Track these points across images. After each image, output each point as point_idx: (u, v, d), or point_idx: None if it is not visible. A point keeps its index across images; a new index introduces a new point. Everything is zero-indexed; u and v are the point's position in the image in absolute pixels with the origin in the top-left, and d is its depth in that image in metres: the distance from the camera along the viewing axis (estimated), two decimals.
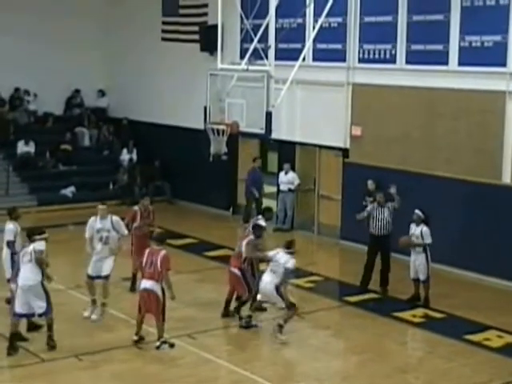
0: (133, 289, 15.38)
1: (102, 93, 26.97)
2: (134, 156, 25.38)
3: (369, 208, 16.18)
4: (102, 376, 11.87)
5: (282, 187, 21.37)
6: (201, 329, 13.58)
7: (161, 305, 12.71)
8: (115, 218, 14.41)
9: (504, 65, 16.39)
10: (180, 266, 17.50)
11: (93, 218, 14.41)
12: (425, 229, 15.15)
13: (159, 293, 12.66)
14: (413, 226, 15.29)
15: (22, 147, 24.44)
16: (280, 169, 21.66)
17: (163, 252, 12.78)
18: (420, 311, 14.85)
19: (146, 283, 12.70)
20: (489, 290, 16.12)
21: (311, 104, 20.29)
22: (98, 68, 26.20)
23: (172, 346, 12.75)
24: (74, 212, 18.66)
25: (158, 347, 12.69)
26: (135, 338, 12.83)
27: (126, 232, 14.58)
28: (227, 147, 19.29)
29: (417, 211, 15.34)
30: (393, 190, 16.32)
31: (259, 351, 13.33)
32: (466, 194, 17.09)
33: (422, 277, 15.10)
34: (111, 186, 24.60)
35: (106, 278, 14.19)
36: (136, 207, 16.00)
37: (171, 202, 24.52)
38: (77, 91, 26.64)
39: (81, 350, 12.54)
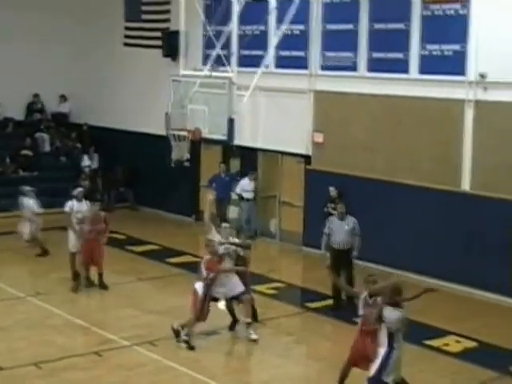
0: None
1: (63, 98, 26.85)
2: (96, 162, 25.34)
3: (327, 224, 15.75)
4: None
5: (248, 195, 21.12)
6: (162, 336, 13.61)
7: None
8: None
9: (463, 73, 16.67)
10: (142, 272, 17.64)
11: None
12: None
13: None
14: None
15: None
16: (244, 175, 21.63)
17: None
18: None
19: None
20: (448, 296, 16.35)
21: (274, 111, 20.42)
22: (59, 73, 26.05)
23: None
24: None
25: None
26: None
27: None
28: (189, 153, 19.41)
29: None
30: (332, 193, 16.38)
31: (221, 358, 13.40)
32: (427, 200, 17.33)
33: None
34: (73, 193, 24.47)
35: None
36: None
37: (134, 209, 24.51)
38: (37, 96, 26.50)
39: (40, 358, 12.53)
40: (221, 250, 13.59)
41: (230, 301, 13.90)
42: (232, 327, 14.10)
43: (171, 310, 14.93)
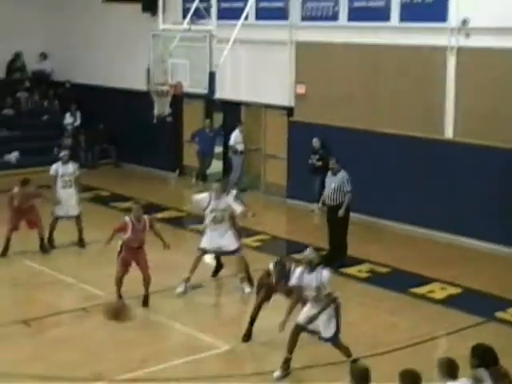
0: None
1: (44, 56, 26.47)
2: (78, 119, 25.09)
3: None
4: (49, 340, 11.83)
5: (240, 147, 21.03)
6: (151, 290, 13.55)
7: None
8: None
9: (445, 20, 16.48)
10: None
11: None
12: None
13: None
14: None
15: None
16: (230, 129, 21.41)
17: None
18: (366, 266, 15.03)
19: None
20: (433, 244, 16.38)
21: (255, 63, 20.22)
22: (39, 30, 25.71)
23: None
24: (19, 177, 18.39)
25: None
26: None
27: None
28: (171, 109, 19.19)
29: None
30: (315, 144, 16.22)
31: (210, 311, 13.38)
32: (411, 149, 17.24)
33: None
34: (55, 151, 24.28)
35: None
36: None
37: (117, 165, 24.35)
38: (18, 54, 26.12)
39: (28, 316, 12.47)
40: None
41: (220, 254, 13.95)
42: (216, 273, 14.19)
43: (158, 265, 14.86)
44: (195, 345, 11.70)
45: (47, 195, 16.49)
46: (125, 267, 13.05)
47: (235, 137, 21.01)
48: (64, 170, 16.18)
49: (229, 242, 13.69)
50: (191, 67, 18.86)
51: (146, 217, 13.29)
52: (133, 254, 13.07)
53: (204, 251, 13.81)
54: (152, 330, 12.24)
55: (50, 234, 16.13)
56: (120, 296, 12.95)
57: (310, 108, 19.26)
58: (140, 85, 20.64)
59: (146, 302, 13.04)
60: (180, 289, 13.62)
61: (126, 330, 12.15)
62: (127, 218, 13.12)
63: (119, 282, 13.03)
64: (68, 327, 12.27)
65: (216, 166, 22.26)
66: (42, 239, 15.83)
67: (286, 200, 19.94)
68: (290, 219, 19.38)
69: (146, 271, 13.08)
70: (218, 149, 22.27)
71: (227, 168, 21.60)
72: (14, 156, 23.66)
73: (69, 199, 16.11)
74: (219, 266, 14.37)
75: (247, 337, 11.71)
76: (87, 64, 25.16)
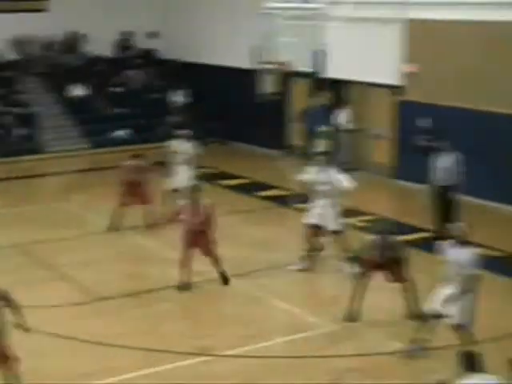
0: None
1: (153, 34, 26.79)
2: (186, 97, 25.30)
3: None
4: (157, 314, 11.99)
5: (347, 126, 20.86)
6: (254, 268, 13.57)
7: None
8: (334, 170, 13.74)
9: None
10: (231, 205, 17.61)
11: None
12: None
13: None
14: None
15: (75, 90, 24.55)
16: (334, 108, 21.23)
17: None
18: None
19: None
20: None
21: (364, 41, 19.84)
22: (150, 9, 26.06)
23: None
24: (127, 154, 18.69)
25: None
26: None
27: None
28: (279, 87, 19.13)
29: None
30: (425, 125, 15.69)
31: (314, 290, 13.29)
32: None
33: None
34: (164, 128, 24.59)
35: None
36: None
37: (223, 143, 24.47)
38: (129, 33, 26.53)
39: (135, 289, 12.71)
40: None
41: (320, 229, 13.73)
42: (313, 251, 13.93)
43: (261, 243, 14.90)
44: (299, 323, 11.64)
45: (159, 170, 16.73)
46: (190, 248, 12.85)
47: (343, 116, 20.81)
48: (182, 146, 16.42)
49: (332, 220, 13.51)
50: (299, 45, 18.74)
51: (206, 204, 12.89)
52: (195, 238, 12.78)
53: (310, 226, 13.66)
54: (256, 308, 12.23)
55: (164, 206, 16.28)
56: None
57: (420, 87, 18.83)
58: (248, 63, 20.67)
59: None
60: (296, 266, 13.55)
61: (231, 306, 12.25)
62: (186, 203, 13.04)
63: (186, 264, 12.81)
64: (175, 302, 12.38)
65: (322, 144, 22.02)
66: (151, 214, 16.02)
67: (393, 180, 19.61)
68: (398, 199, 19.07)
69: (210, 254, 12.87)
70: (325, 127, 22.03)
71: (334, 147, 21.38)
72: (124, 133, 24.07)
73: (184, 175, 16.31)
74: (318, 244, 14.08)
75: (352, 317, 11.57)
76: (195, 42, 25.33)
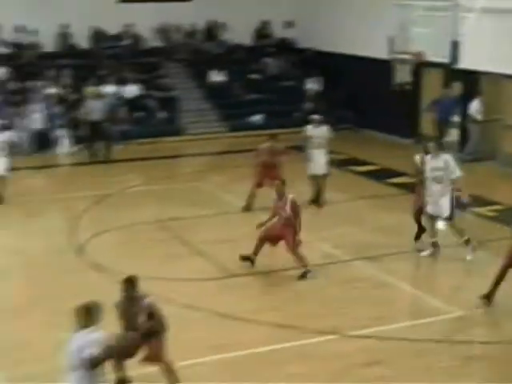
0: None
1: (289, 24, 26.97)
2: (319, 85, 25.38)
3: None
4: (287, 293, 12.21)
5: (478, 117, 20.54)
6: (381, 252, 13.58)
7: None
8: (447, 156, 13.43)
9: None
10: (361, 191, 17.66)
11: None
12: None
13: None
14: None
15: (215, 76, 25.05)
16: (467, 99, 20.87)
17: None
18: None
19: None
20: None
21: (499, 33, 19.36)
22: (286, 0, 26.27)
23: None
24: (262, 138, 19.03)
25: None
26: None
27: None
28: (411, 76, 18.93)
29: None
30: None
31: (434, 275, 13.21)
32: None
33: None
34: (296, 114, 24.80)
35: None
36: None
37: (355, 130, 24.44)
38: (266, 22, 26.82)
39: (269, 268, 12.98)
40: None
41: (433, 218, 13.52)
42: (418, 237, 13.84)
43: (390, 228, 14.87)
44: (426, 308, 11.63)
45: (292, 154, 16.92)
46: (268, 240, 12.92)
47: (475, 106, 20.42)
48: (317, 131, 16.58)
49: (444, 206, 13.24)
50: (433, 36, 18.46)
51: (290, 197, 12.77)
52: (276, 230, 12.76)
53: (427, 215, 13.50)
54: (384, 291, 12.26)
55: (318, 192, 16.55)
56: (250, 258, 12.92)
57: None
58: (381, 53, 20.52)
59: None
60: (426, 252, 13.50)
61: (357, 289, 12.29)
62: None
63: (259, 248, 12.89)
64: (304, 281, 12.51)
65: (453, 134, 21.73)
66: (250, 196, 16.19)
67: None
68: None
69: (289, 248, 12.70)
70: (456, 118, 21.71)
71: (464, 137, 21.04)
72: (259, 118, 24.40)
73: (319, 159, 16.52)
74: (421, 230, 13.87)
75: (488, 298, 11.40)
76: (330, 32, 25.31)
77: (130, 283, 8.86)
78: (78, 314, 7.37)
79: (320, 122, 16.72)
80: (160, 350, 8.85)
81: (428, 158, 13.39)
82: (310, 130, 16.72)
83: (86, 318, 7.33)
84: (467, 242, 13.31)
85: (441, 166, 13.19)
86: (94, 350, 7.15)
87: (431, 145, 13.50)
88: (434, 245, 13.49)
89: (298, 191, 16.31)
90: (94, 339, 7.23)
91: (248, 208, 16.09)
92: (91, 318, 7.34)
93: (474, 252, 13.25)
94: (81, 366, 7.15)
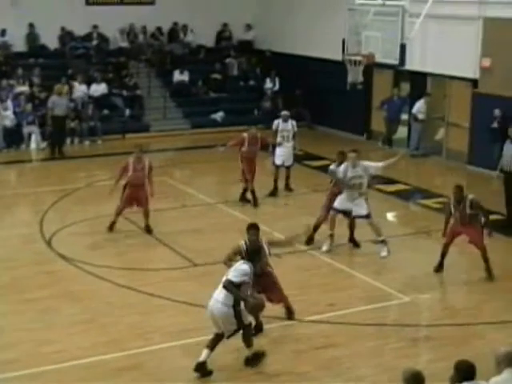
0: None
1: (248, 27, 26.91)
2: (277, 85, 25.38)
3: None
4: None
5: (421, 116, 20.70)
6: (337, 242, 13.61)
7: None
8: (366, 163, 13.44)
9: None
10: (317, 185, 17.66)
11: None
12: None
13: None
14: None
15: (178, 76, 24.90)
16: (415, 98, 21.02)
17: None
18: None
19: None
20: None
21: (443, 37, 19.55)
22: (245, 4, 26.16)
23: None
24: (223, 135, 18.95)
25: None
26: None
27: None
28: (363, 77, 19.01)
29: None
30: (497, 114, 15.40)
31: (391, 265, 13.26)
32: None
33: None
34: (256, 112, 24.77)
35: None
36: (244, 134, 16.28)
37: (310, 128, 24.46)
38: (226, 25, 26.70)
39: None
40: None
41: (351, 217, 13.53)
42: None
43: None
44: (377, 294, 11.68)
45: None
46: (128, 203, 13.93)
47: (419, 106, 20.64)
48: (284, 125, 16.82)
49: (361, 205, 13.19)
50: (383, 39, 18.57)
51: (147, 159, 14.01)
52: (135, 191, 13.81)
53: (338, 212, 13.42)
54: (337, 278, 12.33)
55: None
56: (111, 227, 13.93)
57: (494, 81, 18.47)
58: (334, 54, 20.64)
59: (148, 231, 13.95)
60: (325, 247, 13.44)
61: (313, 276, 12.36)
62: (130, 159, 13.90)
63: (119, 214, 13.99)
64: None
65: (401, 131, 21.95)
66: (252, 191, 16.13)
67: (466, 166, 19.34)
68: (469, 184, 18.59)
69: (145, 206, 13.93)
70: (404, 116, 21.91)
71: (410, 134, 21.23)
72: (219, 115, 24.31)
73: (286, 152, 16.79)
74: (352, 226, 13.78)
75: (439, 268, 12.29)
76: (287, 35, 25.30)
77: (257, 229, 9.86)
78: None
79: (287, 117, 16.94)
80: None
81: (345, 167, 13.21)
82: (278, 124, 16.89)
83: None
84: (383, 241, 13.29)
85: (360, 174, 13.14)
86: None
87: (351, 155, 13.27)
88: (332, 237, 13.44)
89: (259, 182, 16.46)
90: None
91: (274, 193, 16.73)
92: None
93: (388, 251, 13.23)
94: None
